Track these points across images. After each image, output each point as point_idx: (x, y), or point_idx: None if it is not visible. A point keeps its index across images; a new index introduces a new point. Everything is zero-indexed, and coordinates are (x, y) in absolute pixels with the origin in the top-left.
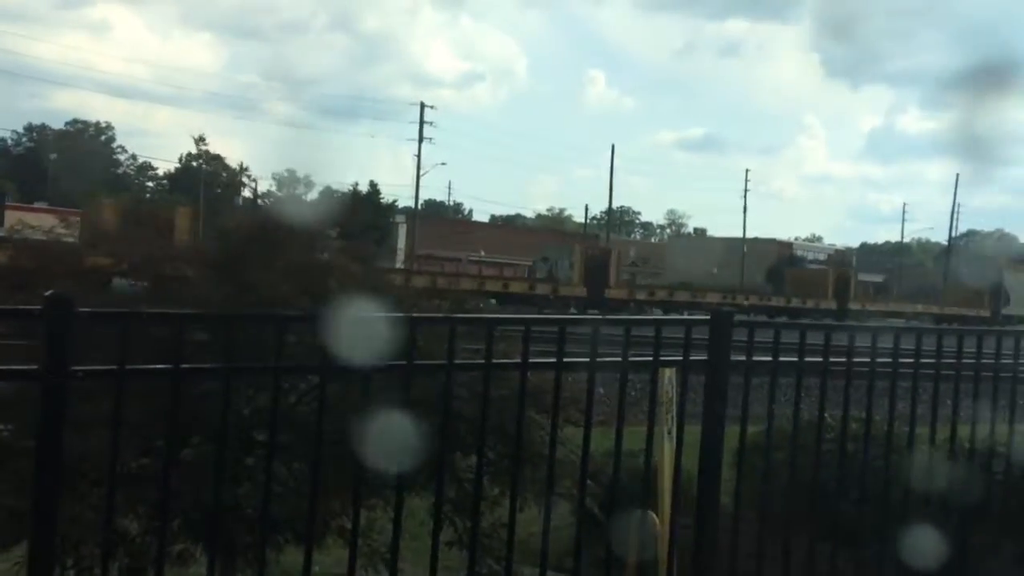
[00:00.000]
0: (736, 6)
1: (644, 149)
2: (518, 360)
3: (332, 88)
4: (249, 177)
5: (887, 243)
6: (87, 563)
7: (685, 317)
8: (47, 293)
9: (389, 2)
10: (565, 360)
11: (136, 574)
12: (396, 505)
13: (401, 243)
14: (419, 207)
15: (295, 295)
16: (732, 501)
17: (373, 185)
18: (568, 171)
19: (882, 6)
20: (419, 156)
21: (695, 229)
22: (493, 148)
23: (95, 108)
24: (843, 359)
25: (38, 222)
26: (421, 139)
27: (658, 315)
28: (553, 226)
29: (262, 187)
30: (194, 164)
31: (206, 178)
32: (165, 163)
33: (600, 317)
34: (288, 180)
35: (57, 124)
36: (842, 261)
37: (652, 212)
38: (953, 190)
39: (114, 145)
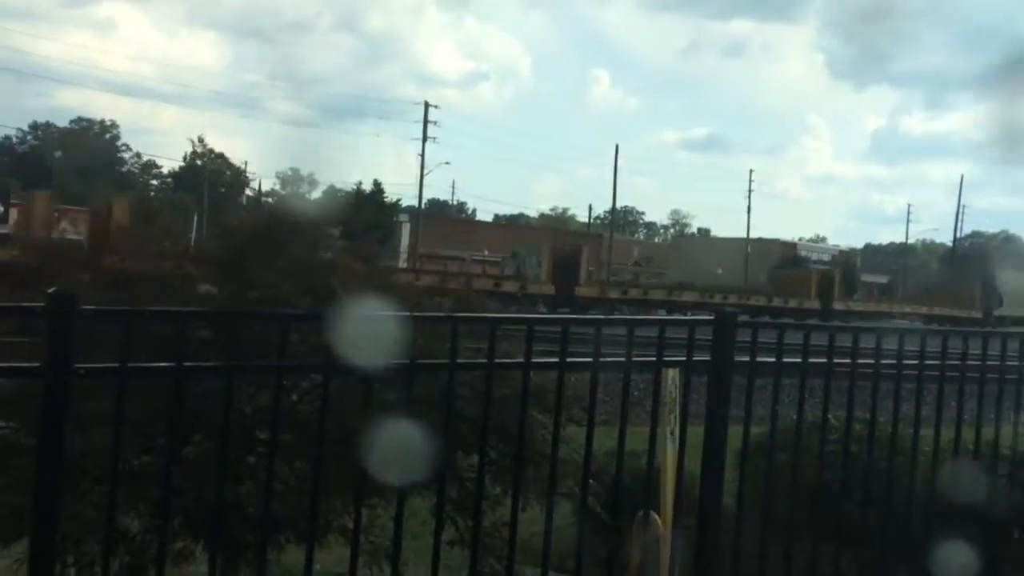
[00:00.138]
0: (740, 6)
1: (648, 149)
2: (521, 360)
3: (336, 87)
4: (250, 176)
5: (891, 244)
6: (88, 560)
7: (688, 317)
8: (50, 290)
9: (393, 2)
10: (568, 360)
11: (137, 572)
12: (398, 504)
13: (405, 242)
14: (423, 206)
15: (297, 294)
16: (735, 502)
17: (377, 184)
18: (572, 171)
19: (887, 7)
20: (423, 155)
21: (699, 229)
22: (497, 147)
23: (100, 106)
24: (847, 360)
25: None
26: (425, 138)
27: (659, 315)
28: (557, 225)
29: (266, 186)
30: (198, 163)
31: (210, 176)
32: (170, 161)
33: (603, 317)
34: (292, 179)
35: (62, 122)
36: (846, 262)
37: (656, 212)
38: (958, 191)
39: (119, 143)
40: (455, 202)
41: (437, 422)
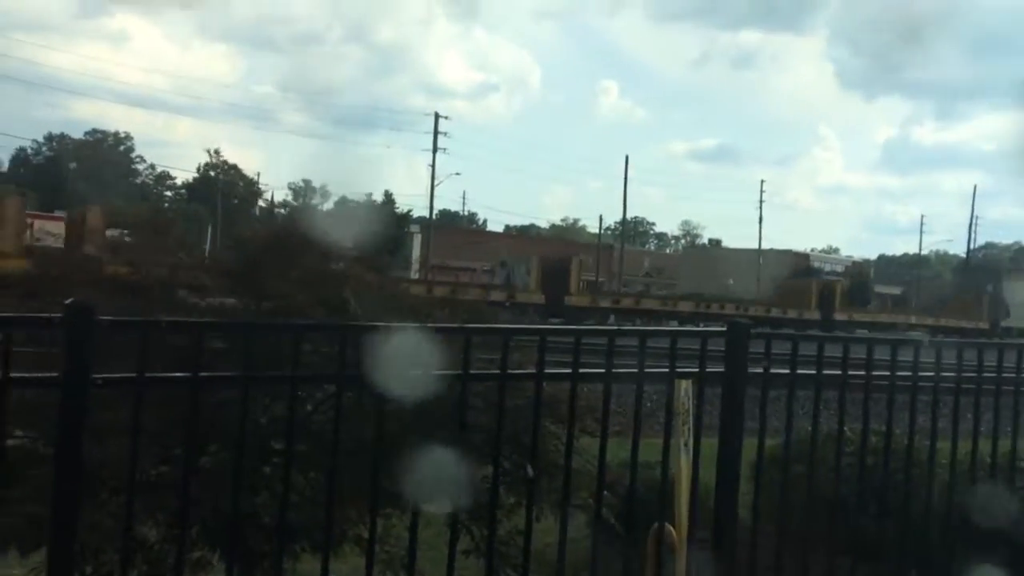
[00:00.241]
0: (750, 17)
1: (658, 160)
2: (533, 370)
3: (348, 99)
4: (263, 187)
5: (905, 255)
6: (106, 570)
7: (701, 328)
8: (68, 301)
9: (404, 13)
10: (581, 371)
11: None
12: (412, 514)
13: (416, 253)
14: (434, 217)
15: (310, 304)
16: (750, 515)
17: (388, 195)
18: (582, 181)
19: (897, 17)
20: (433, 166)
21: (710, 240)
22: (507, 158)
23: (114, 118)
24: (862, 372)
25: (57, 231)
26: (435, 149)
27: (673, 326)
28: (567, 236)
29: (279, 197)
30: (211, 174)
31: (223, 188)
32: (183, 173)
33: (616, 328)
34: (304, 190)
35: (76, 134)
36: (860, 273)
37: (666, 223)
38: (971, 202)
39: (133, 155)
40: (466, 213)
41: (450, 433)
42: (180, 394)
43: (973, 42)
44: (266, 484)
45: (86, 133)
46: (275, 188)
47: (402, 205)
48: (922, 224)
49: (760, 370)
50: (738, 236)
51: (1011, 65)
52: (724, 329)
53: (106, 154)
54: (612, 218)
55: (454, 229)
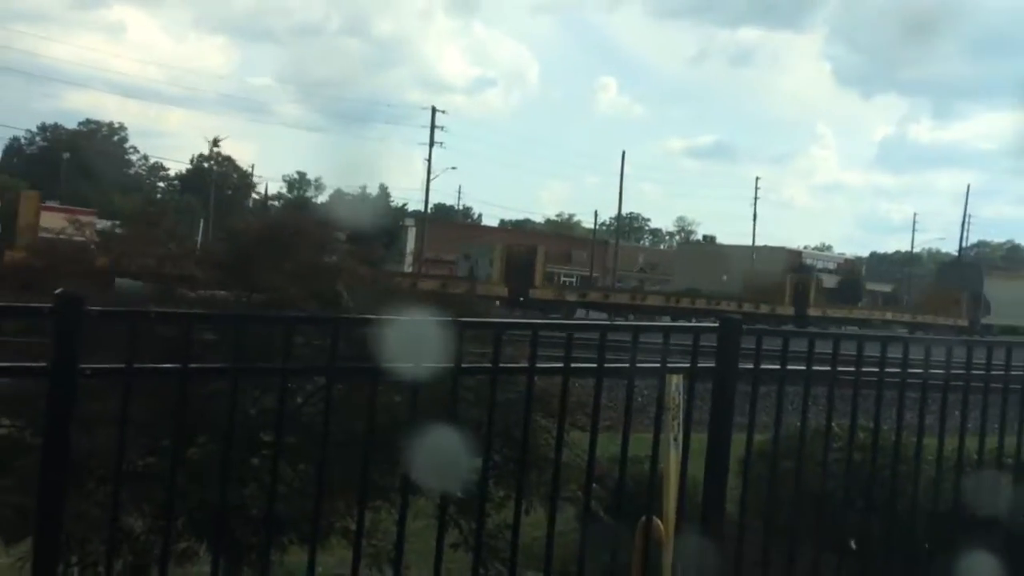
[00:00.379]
0: (748, 15)
1: (654, 156)
2: (525, 364)
3: (344, 92)
4: (256, 179)
5: (897, 253)
6: (91, 560)
7: (693, 324)
8: (57, 291)
9: (402, 7)
10: (572, 365)
11: (140, 572)
12: (400, 506)
13: (410, 246)
14: (429, 210)
15: (303, 297)
16: (737, 509)
17: (383, 188)
18: (578, 177)
19: (894, 15)
20: (430, 160)
21: (704, 236)
22: (503, 153)
23: (108, 109)
24: (851, 368)
25: (50, 222)
26: (432, 143)
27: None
28: (562, 231)
29: (272, 189)
30: (205, 165)
31: (217, 180)
32: (177, 164)
33: (608, 323)
34: (299, 183)
35: (71, 124)
36: (851, 270)
37: (662, 219)
38: (964, 201)
39: (127, 146)
40: (461, 207)
41: (441, 426)
42: (169, 385)
43: (971, 41)
44: (254, 476)
45: (80, 123)
46: (269, 180)
47: (398, 199)
48: (915, 222)
49: (750, 366)
50: (733, 233)
51: (1009, 65)
52: (715, 325)
53: (100, 145)
54: (608, 214)
55: (449, 223)
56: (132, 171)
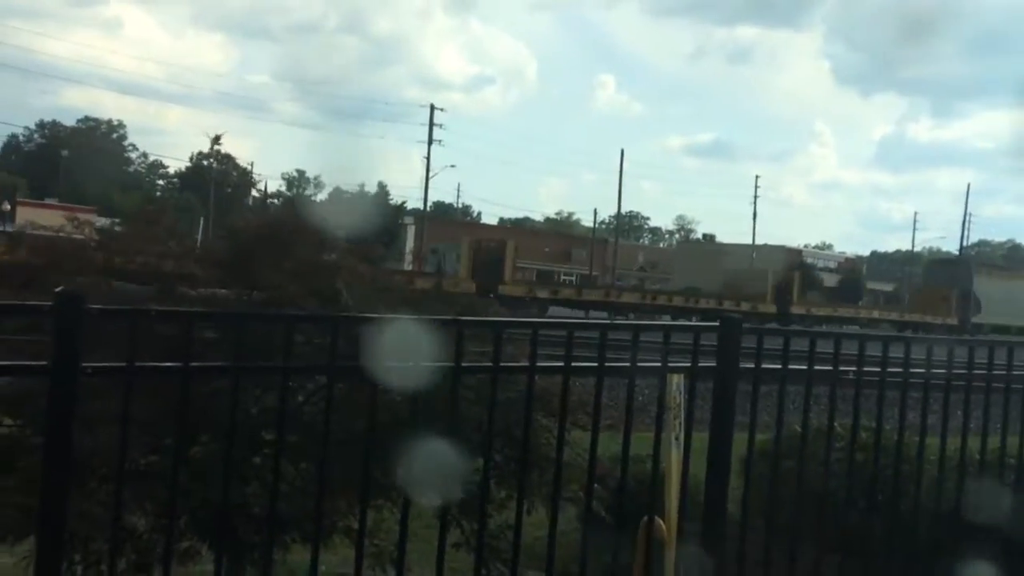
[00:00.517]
0: (747, 12)
1: (654, 154)
2: (526, 363)
3: (343, 89)
4: (256, 177)
5: (898, 251)
6: (94, 558)
7: (694, 323)
8: (57, 289)
9: (400, 5)
10: (573, 364)
11: (142, 570)
12: (403, 506)
13: (410, 245)
14: (428, 209)
15: (303, 295)
16: (739, 509)
17: (382, 186)
18: (577, 175)
19: (893, 14)
20: (428, 158)
21: (704, 235)
22: (503, 151)
23: (107, 106)
24: (853, 368)
25: (49, 219)
26: (431, 141)
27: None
28: (562, 229)
29: (272, 187)
30: (205, 163)
31: (217, 177)
32: (176, 161)
33: (609, 322)
34: (298, 180)
35: (69, 121)
36: (852, 269)
37: (661, 217)
38: (964, 200)
39: (125, 143)
40: (460, 205)
41: (441, 425)
42: (170, 384)
43: (970, 40)
44: (256, 474)
45: (78, 120)
46: (268, 178)
47: (397, 197)
48: (915, 221)
49: (751, 365)
50: (732, 231)
51: (1008, 64)
52: (716, 324)
53: (98, 142)
54: (607, 212)
55: (448, 221)
56: (131, 168)
